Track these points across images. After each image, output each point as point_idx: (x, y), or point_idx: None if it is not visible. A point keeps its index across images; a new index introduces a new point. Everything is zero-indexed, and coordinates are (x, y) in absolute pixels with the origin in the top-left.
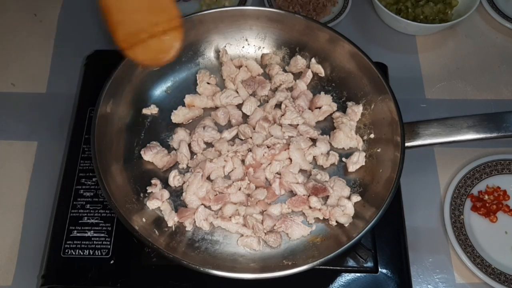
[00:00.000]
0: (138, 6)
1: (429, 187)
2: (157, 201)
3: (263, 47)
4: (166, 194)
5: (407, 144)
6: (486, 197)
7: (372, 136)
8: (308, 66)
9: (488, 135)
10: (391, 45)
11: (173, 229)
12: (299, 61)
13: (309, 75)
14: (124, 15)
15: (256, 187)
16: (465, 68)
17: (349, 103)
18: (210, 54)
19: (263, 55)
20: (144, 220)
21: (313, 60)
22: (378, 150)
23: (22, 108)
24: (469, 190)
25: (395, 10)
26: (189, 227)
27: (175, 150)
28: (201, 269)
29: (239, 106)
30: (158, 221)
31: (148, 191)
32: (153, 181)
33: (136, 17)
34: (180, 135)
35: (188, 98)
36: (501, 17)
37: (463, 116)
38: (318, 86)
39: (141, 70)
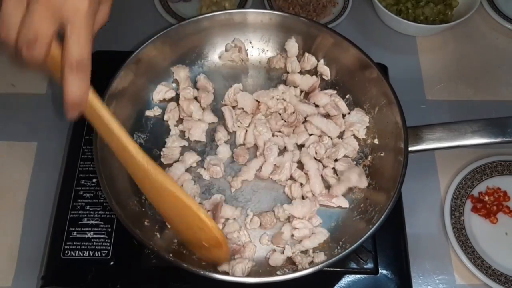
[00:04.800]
0: (179, 220)
1: (429, 188)
2: None
3: (267, 50)
4: None
5: (410, 149)
6: (487, 198)
7: (376, 141)
8: (316, 67)
9: (493, 140)
10: (391, 46)
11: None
12: (310, 59)
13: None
14: (172, 223)
15: None
16: (466, 69)
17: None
18: (213, 56)
19: (270, 59)
20: (146, 222)
21: (321, 61)
22: (382, 155)
23: (22, 109)
24: (469, 191)
25: (395, 11)
26: None
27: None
28: (202, 273)
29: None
30: (160, 224)
31: None
32: None
33: (181, 228)
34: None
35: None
36: (501, 18)
37: (467, 121)
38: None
39: (144, 72)
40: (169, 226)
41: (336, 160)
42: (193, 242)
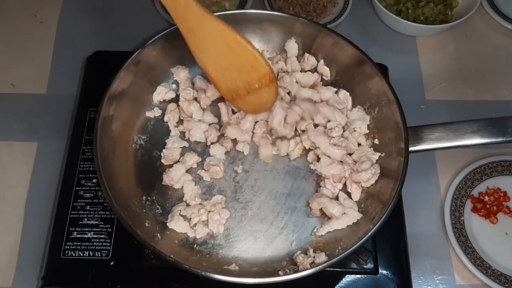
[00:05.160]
0: (229, 66)
1: (430, 188)
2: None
3: (267, 50)
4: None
5: (411, 149)
6: (487, 198)
7: (376, 141)
8: (316, 67)
9: (493, 140)
10: (392, 46)
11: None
12: (310, 59)
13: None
14: (219, 74)
15: None
16: (466, 69)
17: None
18: None
19: (270, 59)
20: (147, 223)
21: (321, 61)
22: (382, 155)
23: (22, 109)
24: (469, 191)
25: (395, 11)
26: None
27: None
28: (203, 273)
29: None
30: (160, 225)
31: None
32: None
33: (230, 76)
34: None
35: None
36: (501, 18)
37: (468, 121)
38: None
39: (144, 73)
40: (214, 82)
41: (350, 154)
42: (242, 88)
